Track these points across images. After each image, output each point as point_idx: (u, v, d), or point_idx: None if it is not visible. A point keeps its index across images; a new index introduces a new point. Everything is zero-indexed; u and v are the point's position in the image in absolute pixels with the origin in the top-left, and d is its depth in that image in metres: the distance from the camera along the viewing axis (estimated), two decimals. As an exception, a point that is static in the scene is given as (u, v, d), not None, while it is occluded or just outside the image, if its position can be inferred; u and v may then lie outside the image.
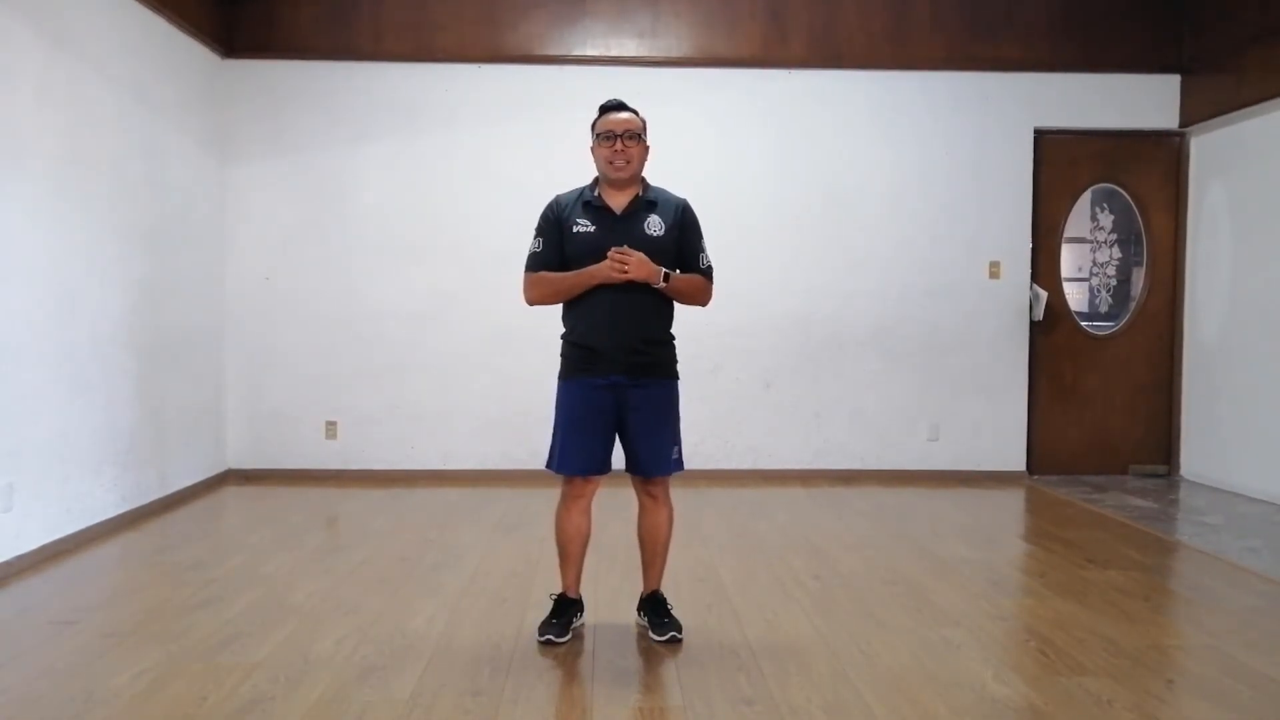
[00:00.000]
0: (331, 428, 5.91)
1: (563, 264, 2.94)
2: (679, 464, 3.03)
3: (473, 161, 5.91)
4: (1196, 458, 5.95)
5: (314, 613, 3.27)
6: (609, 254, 2.82)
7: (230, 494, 5.48)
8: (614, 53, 5.88)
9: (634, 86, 5.58)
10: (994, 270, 6.03)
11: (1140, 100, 6.03)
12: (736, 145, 5.96)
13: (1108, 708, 2.51)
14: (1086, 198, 6.20)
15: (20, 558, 3.79)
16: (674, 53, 5.91)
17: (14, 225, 3.82)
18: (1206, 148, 5.91)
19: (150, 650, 2.88)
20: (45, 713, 2.47)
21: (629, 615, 3.22)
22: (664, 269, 2.88)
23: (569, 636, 3.01)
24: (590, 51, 5.88)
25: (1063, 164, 6.08)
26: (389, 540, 4.35)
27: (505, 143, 5.87)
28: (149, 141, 4.90)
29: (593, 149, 2.97)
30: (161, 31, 5.03)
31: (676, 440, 3.03)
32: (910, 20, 5.93)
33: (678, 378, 3.05)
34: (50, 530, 4.02)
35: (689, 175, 5.71)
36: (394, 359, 5.91)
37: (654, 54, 5.90)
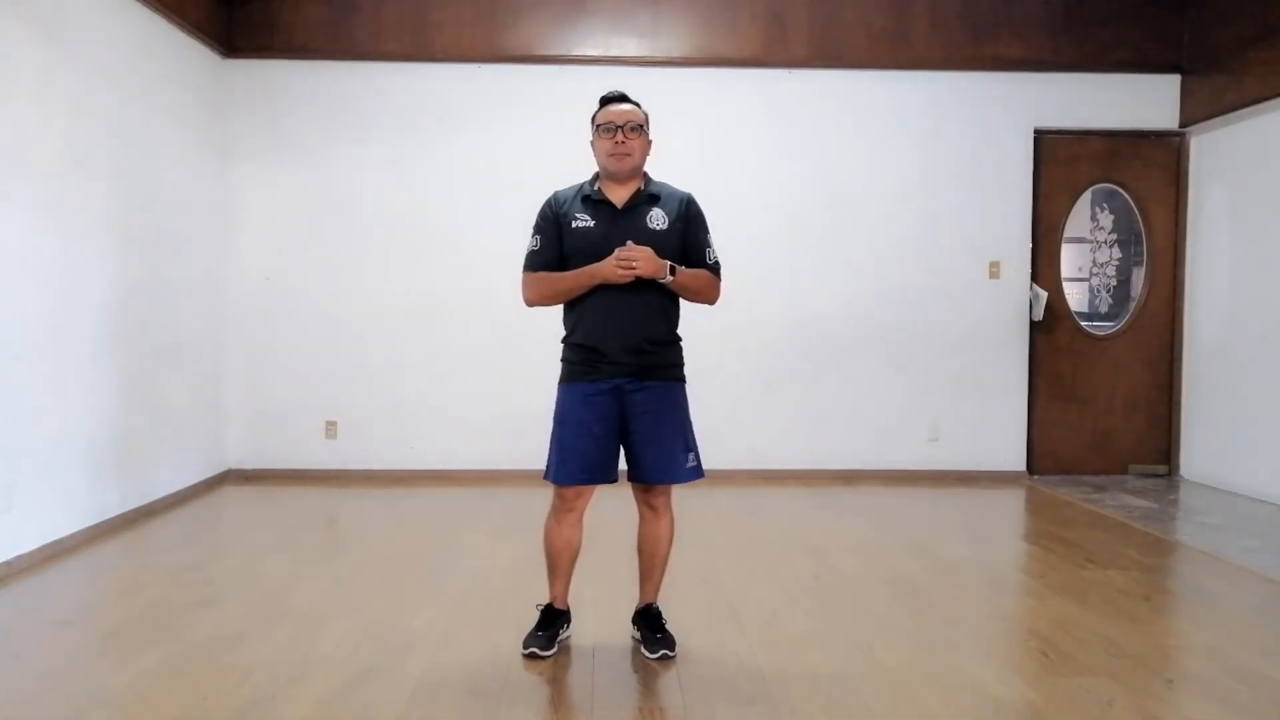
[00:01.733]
0: (331, 428, 5.91)
1: (562, 262, 2.83)
2: (696, 471, 2.87)
3: (472, 161, 5.91)
4: (1196, 458, 5.95)
5: (314, 613, 3.27)
6: (615, 254, 2.70)
7: (230, 494, 5.48)
8: (614, 53, 5.88)
9: (634, 86, 5.54)
10: (994, 270, 6.03)
11: (1140, 100, 6.03)
12: (736, 145, 5.96)
13: (1108, 708, 2.51)
14: (1086, 198, 6.20)
15: (20, 558, 3.79)
16: (674, 53, 5.91)
17: (14, 225, 3.81)
18: (1206, 148, 5.91)
19: (150, 650, 2.88)
20: (45, 713, 2.47)
21: (629, 615, 3.21)
22: (670, 263, 2.75)
23: (554, 649, 2.91)
24: (590, 51, 5.87)
25: (1063, 164, 6.08)
26: (389, 540, 4.35)
27: (505, 142, 5.87)
28: (149, 141, 4.90)
29: (592, 142, 2.86)
30: (161, 31, 5.03)
31: (690, 446, 2.87)
32: (910, 20, 5.93)
33: (685, 380, 2.92)
34: (50, 530, 4.02)
35: (688, 176, 5.69)
36: (394, 359, 5.91)
37: (654, 54, 5.90)
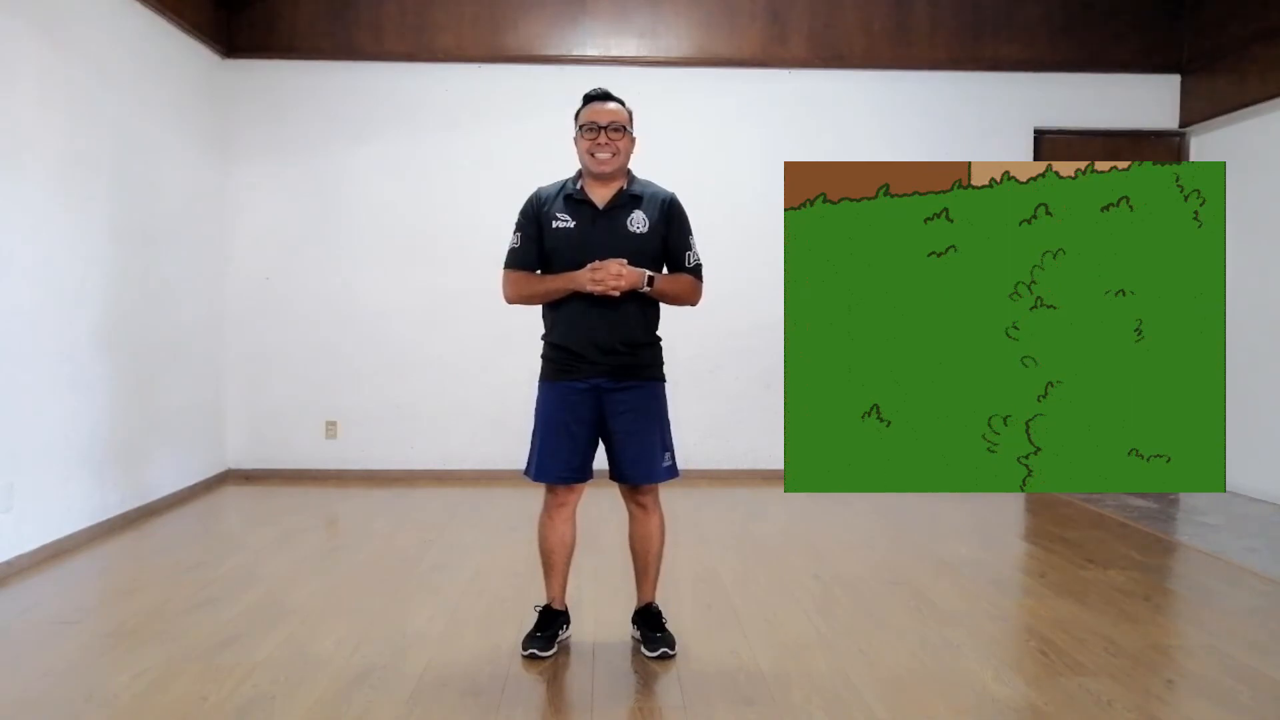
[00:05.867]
0: (331, 428, 5.91)
1: (543, 259, 2.82)
2: (672, 471, 2.89)
3: (473, 161, 5.90)
4: (1196, 458, 5.93)
5: (314, 613, 3.27)
6: (588, 268, 2.68)
7: (230, 494, 5.48)
8: (614, 53, 5.88)
9: (634, 87, 5.57)
10: (994, 270, 6.02)
11: (1140, 100, 6.03)
12: (736, 145, 5.96)
13: (1108, 708, 2.51)
14: (1086, 198, 6.19)
15: (20, 558, 3.79)
16: (674, 53, 5.91)
17: (14, 225, 3.81)
18: (1206, 148, 5.91)
19: (150, 650, 2.88)
20: (45, 713, 2.47)
21: (629, 614, 3.21)
22: (648, 272, 2.73)
23: (554, 650, 2.90)
24: (590, 51, 5.87)
25: (1063, 164, 6.08)
26: (389, 540, 4.35)
27: (505, 143, 5.87)
28: (149, 142, 4.90)
29: (575, 140, 2.82)
30: (161, 31, 5.03)
31: (667, 446, 2.88)
32: (910, 20, 5.93)
33: (664, 380, 2.91)
34: (50, 530, 4.02)
35: (687, 176, 5.71)
36: (394, 359, 5.91)
37: (654, 54, 5.90)
